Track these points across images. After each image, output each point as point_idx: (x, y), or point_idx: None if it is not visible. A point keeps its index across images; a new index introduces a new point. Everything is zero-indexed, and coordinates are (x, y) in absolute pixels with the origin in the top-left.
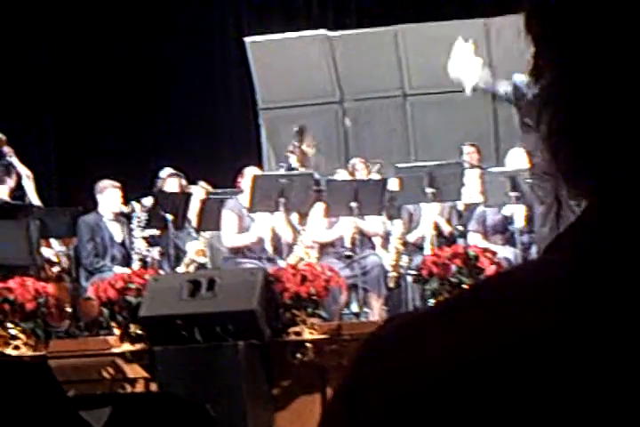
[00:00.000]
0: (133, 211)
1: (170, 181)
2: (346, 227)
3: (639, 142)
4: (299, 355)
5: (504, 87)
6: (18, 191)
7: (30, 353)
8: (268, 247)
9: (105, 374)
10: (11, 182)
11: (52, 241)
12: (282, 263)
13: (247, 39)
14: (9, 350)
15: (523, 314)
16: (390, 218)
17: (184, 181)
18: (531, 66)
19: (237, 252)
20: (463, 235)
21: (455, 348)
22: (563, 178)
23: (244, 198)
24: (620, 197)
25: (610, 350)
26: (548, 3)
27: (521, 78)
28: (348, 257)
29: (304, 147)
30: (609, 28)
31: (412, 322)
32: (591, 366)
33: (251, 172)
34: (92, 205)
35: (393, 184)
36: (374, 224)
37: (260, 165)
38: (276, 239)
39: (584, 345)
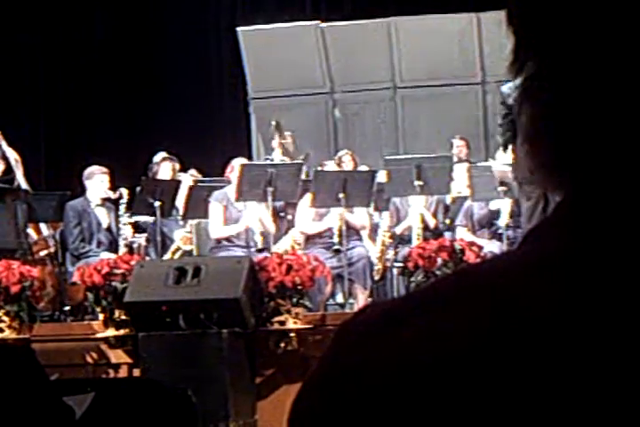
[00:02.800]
0: (121, 197)
1: (163, 166)
2: (333, 219)
3: (617, 137)
4: (282, 344)
5: None
6: (6, 175)
7: (14, 336)
8: (257, 238)
9: (88, 359)
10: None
11: (40, 225)
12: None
13: (240, 29)
14: None
15: (497, 303)
16: (378, 210)
17: (177, 165)
18: (511, 59)
19: (225, 240)
20: (450, 228)
21: (434, 337)
22: (539, 171)
23: (231, 190)
24: (593, 192)
25: (575, 343)
26: None
27: (508, 87)
28: (337, 251)
29: (283, 141)
30: (588, 20)
31: (390, 310)
32: (557, 357)
33: (239, 163)
34: (80, 191)
35: (381, 176)
36: (361, 217)
37: (249, 155)
38: (264, 232)
39: (559, 337)
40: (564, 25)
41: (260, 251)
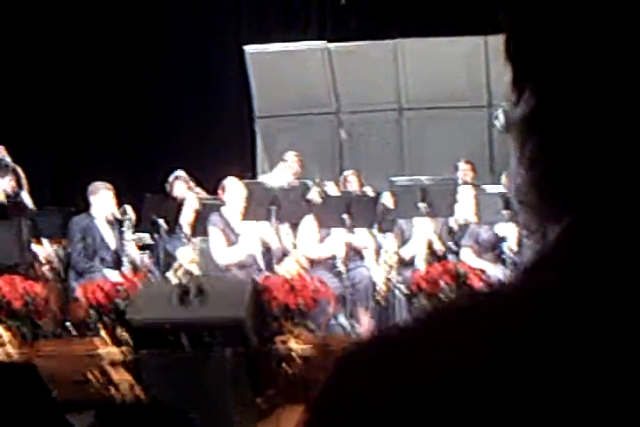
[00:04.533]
0: (126, 214)
1: (177, 184)
2: (337, 242)
3: (616, 169)
4: (284, 365)
5: None
6: (15, 190)
7: (16, 351)
8: (261, 262)
9: (90, 377)
10: (9, 182)
11: (44, 241)
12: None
13: (247, 48)
14: None
15: (497, 332)
16: (382, 231)
17: (192, 184)
18: (510, 89)
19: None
20: (454, 251)
21: (434, 362)
22: (539, 200)
23: (227, 211)
24: (592, 223)
25: (576, 369)
26: (525, 25)
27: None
28: (339, 273)
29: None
30: (587, 54)
31: (392, 337)
32: (565, 384)
33: (230, 182)
34: (85, 207)
35: (386, 198)
36: (363, 238)
37: (253, 174)
38: (266, 252)
39: (556, 366)
40: (563, 58)
41: (261, 271)
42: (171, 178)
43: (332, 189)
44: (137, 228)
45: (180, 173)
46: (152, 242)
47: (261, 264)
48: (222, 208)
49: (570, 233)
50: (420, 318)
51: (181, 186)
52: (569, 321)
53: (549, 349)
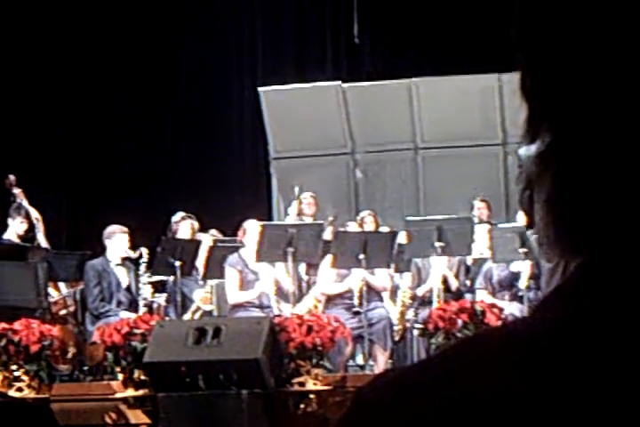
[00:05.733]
0: (141, 256)
1: (183, 225)
2: (355, 280)
3: (633, 207)
4: (302, 405)
5: None
6: (27, 234)
7: (33, 395)
8: (273, 303)
9: (107, 420)
10: (22, 225)
11: (60, 284)
12: (288, 311)
13: (261, 89)
14: (12, 392)
15: (500, 375)
16: (399, 271)
17: (197, 224)
18: (525, 127)
19: (241, 306)
20: (471, 290)
21: (451, 402)
22: (558, 235)
23: (246, 253)
24: (608, 259)
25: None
26: (541, 63)
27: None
28: (357, 313)
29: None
30: (603, 93)
31: (408, 375)
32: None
33: (250, 225)
34: (101, 250)
35: (402, 237)
36: (382, 278)
37: (269, 215)
38: (280, 293)
39: (561, 405)
40: (580, 96)
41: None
42: (176, 218)
43: (353, 229)
44: (153, 270)
45: (184, 213)
46: (168, 284)
47: (274, 309)
48: (241, 250)
49: (585, 266)
50: (436, 356)
51: (187, 226)
52: (579, 351)
53: (561, 382)
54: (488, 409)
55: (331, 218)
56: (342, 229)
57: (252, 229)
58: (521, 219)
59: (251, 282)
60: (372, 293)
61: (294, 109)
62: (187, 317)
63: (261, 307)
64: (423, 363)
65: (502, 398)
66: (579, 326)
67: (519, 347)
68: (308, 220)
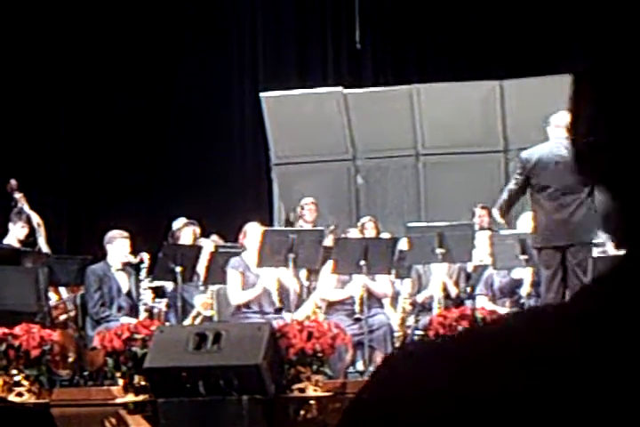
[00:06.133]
0: (142, 261)
1: (185, 231)
2: (355, 287)
3: None
4: (302, 412)
5: None
6: (28, 238)
7: (33, 400)
8: (275, 298)
9: (107, 425)
10: (22, 229)
11: (60, 289)
12: (288, 317)
13: (262, 94)
14: (12, 397)
15: (530, 352)
16: (399, 277)
17: (198, 230)
18: (579, 126)
19: (244, 306)
20: (471, 297)
21: (459, 386)
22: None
23: (248, 256)
24: None
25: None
26: (607, 68)
27: (528, 153)
28: (358, 320)
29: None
30: None
31: (420, 355)
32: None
33: (251, 228)
34: (101, 255)
35: (403, 243)
36: (383, 285)
37: (270, 221)
38: (282, 292)
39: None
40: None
41: (277, 311)
42: (178, 224)
43: (354, 235)
44: (153, 275)
45: (186, 220)
46: (169, 290)
47: (276, 303)
48: (243, 253)
49: (626, 259)
50: (463, 333)
51: (189, 232)
52: (597, 348)
53: (576, 372)
54: (514, 390)
55: (332, 227)
56: (343, 236)
57: (252, 231)
58: (522, 226)
59: (253, 284)
60: (372, 299)
61: (295, 115)
62: (187, 322)
63: (262, 313)
64: (453, 337)
65: (522, 381)
66: (608, 316)
67: (548, 335)
68: (308, 226)
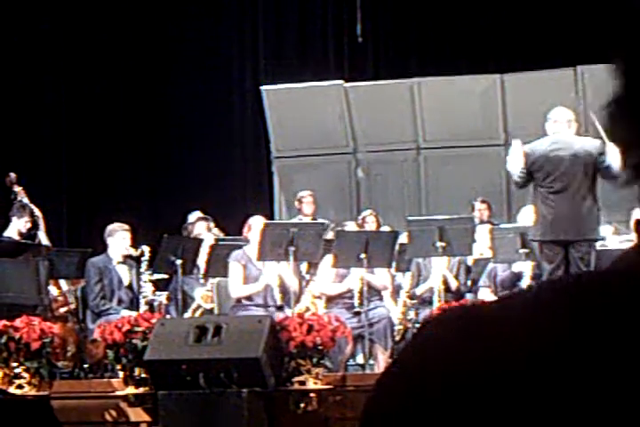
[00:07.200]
0: (142, 254)
1: (198, 225)
2: (354, 280)
3: None
4: (302, 404)
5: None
6: (30, 231)
7: (34, 393)
8: (277, 295)
9: (107, 417)
10: (27, 223)
11: (61, 281)
12: (289, 312)
13: (264, 87)
14: (12, 389)
15: (574, 313)
16: (400, 270)
17: (212, 225)
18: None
19: (245, 298)
20: (471, 290)
21: (518, 344)
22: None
23: (250, 249)
24: None
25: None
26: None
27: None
28: (357, 313)
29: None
30: None
31: (477, 315)
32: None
33: (255, 221)
34: (102, 248)
35: (403, 237)
36: (382, 278)
37: (267, 214)
38: (283, 287)
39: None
40: None
41: (279, 308)
42: (192, 218)
43: (352, 229)
44: (154, 268)
45: (200, 214)
46: (169, 282)
47: (278, 301)
48: (245, 247)
49: None
50: (499, 301)
51: (202, 226)
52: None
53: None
54: (559, 356)
55: (333, 225)
56: (342, 229)
57: (257, 225)
58: (522, 220)
59: (254, 278)
60: (372, 292)
61: (296, 108)
62: (187, 315)
63: (266, 306)
64: (491, 304)
65: (569, 343)
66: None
67: (592, 295)
68: (307, 219)
